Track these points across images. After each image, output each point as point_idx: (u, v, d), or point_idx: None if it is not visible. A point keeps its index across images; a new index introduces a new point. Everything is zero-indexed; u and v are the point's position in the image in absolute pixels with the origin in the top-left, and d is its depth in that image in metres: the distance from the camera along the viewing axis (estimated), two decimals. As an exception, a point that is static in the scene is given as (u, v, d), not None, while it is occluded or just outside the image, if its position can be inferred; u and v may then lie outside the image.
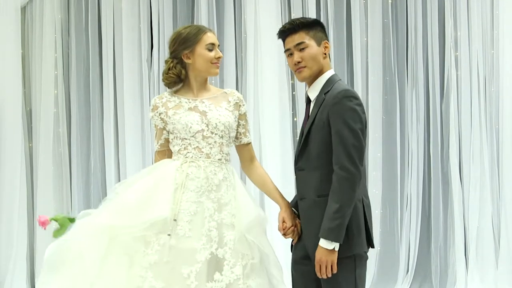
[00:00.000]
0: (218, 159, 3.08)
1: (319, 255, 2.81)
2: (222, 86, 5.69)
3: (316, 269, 2.83)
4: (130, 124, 5.72)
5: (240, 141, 3.22)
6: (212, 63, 3.11)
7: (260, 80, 5.58)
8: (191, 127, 3.05)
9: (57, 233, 3.02)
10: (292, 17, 5.61)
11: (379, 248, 5.58)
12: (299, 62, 2.96)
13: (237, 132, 3.19)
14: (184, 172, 3.00)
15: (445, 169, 5.60)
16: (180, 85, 3.17)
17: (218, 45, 3.17)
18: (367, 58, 5.67)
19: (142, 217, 2.88)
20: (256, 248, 3.00)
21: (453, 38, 5.60)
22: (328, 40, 3.05)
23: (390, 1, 5.70)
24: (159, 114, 3.11)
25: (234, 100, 3.16)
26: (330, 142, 2.83)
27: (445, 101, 5.61)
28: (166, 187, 2.96)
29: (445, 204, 5.59)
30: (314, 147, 2.89)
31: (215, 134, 3.07)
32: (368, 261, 5.75)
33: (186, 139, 3.06)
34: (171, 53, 3.13)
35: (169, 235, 2.87)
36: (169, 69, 3.12)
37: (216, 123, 3.07)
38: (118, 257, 2.83)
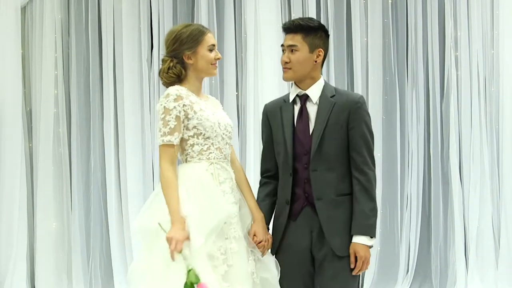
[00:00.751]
0: (228, 160, 3.11)
1: (362, 251, 2.96)
2: (222, 86, 5.69)
3: (357, 265, 2.96)
4: (130, 124, 5.72)
5: None
6: (212, 64, 3.11)
7: (260, 80, 5.58)
8: (220, 126, 3.04)
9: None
10: (293, 17, 5.61)
11: (379, 248, 5.58)
12: (286, 63, 3.04)
13: None
14: (214, 175, 2.99)
15: (445, 169, 5.60)
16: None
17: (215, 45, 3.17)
18: (367, 58, 5.67)
19: (204, 228, 2.85)
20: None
21: (453, 38, 5.60)
22: (324, 49, 3.05)
23: (390, 1, 5.70)
24: (183, 106, 2.95)
25: (220, 104, 3.22)
26: (347, 144, 2.99)
27: (445, 101, 5.61)
28: (212, 192, 2.95)
29: (445, 204, 5.59)
30: (331, 149, 2.98)
31: (226, 135, 3.07)
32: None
33: (210, 138, 3.01)
34: (170, 51, 3.08)
35: (226, 239, 2.92)
36: (169, 68, 3.06)
37: (225, 125, 3.07)
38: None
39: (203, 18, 5.62)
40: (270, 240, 3.10)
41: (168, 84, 3.09)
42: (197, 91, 3.12)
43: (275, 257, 3.11)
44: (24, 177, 5.76)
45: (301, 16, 5.61)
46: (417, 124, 5.62)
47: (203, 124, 2.98)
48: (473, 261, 5.50)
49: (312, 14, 5.60)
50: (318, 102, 3.03)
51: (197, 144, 3.00)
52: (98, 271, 5.75)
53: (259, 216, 3.09)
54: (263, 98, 5.57)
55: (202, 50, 3.07)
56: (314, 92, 3.04)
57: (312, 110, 3.03)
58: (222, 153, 3.05)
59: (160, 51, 5.69)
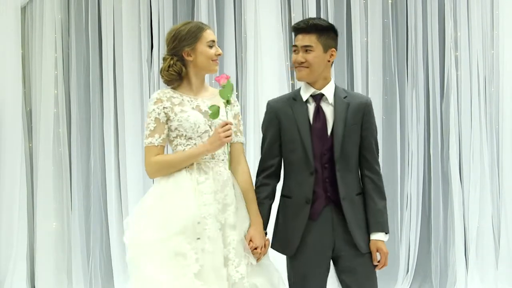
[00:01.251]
0: (222, 160, 3.08)
1: (385, 247, 3.08)
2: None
3: (381, 261, 3.08)
4: (130, 124, 5.72)
5: (231, 140, 3.17)
6: (212, 60, 3.11)
7: (260, 80, 5.58)
8: (199, 127, 3.04)
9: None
10: (292, 17, 5.62)
11: (379, 248, 5.57)
12: (302, 62, 3.05)
13: None
14: (193, 176, 3.01)
15: (445, 169, 5.60)
16: (177, 83, 3.15)
17: (215, 41, 3.16)
18: (367, 58, 5.67)
19: (173, 226, 2.91)
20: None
21: (453, 38, 5.60)
22: (336, 49, 3.10)
23: (390, 1, 5.70)
24: (163, 108, 3.03)
25: (229, 101, 3.13)
26: (359, 145, 3.09)
27: (445, 101, 5.61)
28: (185, 194, 2.98)
29: (445, 204, 5.59)
30: (350, 149, 3.05)
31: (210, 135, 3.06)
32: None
33: (192, 138, 3.04)
34: (170, 49, 3.12)
35: (198, 239, 2.92)
36: (169, 66, 3.09)
37: (218, 124, 3.05)
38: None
39: (203, 18, 5.61)
40: (268, 246, 3.10)
41: (169, 82, 3.12)
42: (197, 89, 3.12)
43: (293, 257, 3.10)
44: (24, 177, 5.76)
45: (301, 16, 5.61)
46: (417, 124, 5.62)
47: (183, 125, 3.02)
48: (473, 261, 5.50)
49: (312, 14, 5.60)
50: (333, 102, 3.06)
51: (180, 144, 3.05)
52: (98, 271, 5.76)
53: (258, 221, 3.08)
54: (263, 98, 5.57)
55: (201, 46, 3.08)
56: (329, 92, 3.08)
57: (328, 110, 3.06)
58: (218, 152, 3.07)
59: (160, 51, 5.68)
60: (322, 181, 3.04)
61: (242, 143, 3.19)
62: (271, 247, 3.17)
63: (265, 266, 3.09)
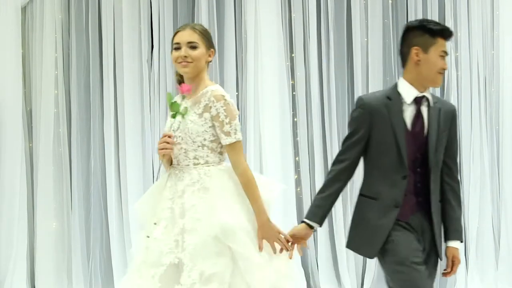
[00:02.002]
0: (186, 165, 3.07)
1: (459, 256, 3.08)
2: (222, 86, 5.65)
3: (453, 270, 3.08)
4: (130, 124, 5.72)
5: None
6: (177, 62, 3.09)
7: (260, 80, 5.58)
8: (166, 131, 3.12)
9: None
10: (293, 17, 5.63)
11: (379, 248, 5.57)
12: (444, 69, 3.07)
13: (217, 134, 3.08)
14: (164, 181, 3.12)
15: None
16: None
17: (193, 43, 3.08)
18: (367, 58, 5.67)
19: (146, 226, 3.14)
20: (229, 257, 2.95)
21: (453, 38, 5.59)
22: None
23: (390, 1, 5.71)
24: None
25: (205, 101, 3.05)
26: (444, 153, 3.03)
27: (445, 101, 5.62)
28: (157, 197, 3.13)
29: (445, 204, 5.59)
30: (440, 156, 3.01)
31: (182, 139, 3.06)
32: (368, 261, 5.79)
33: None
34: None
35: (148, 237, 3.03)
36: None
37: (182, 129, 3.06)
38: None
39: (203, 18, 5.61)
40: (280, 236, 3.06)
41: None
42: (193, 92, 3.11)
43: (379, 259, 3.02)
44: (24, 177, 5.76)
45: (301, 16, 5.64)
46: (417, 124, 5.62)
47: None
48: (473, 261, 5.50)
49: (312, 14, 5.61)
50: (428, 107, 3.00)
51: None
52: (98, 271, 5.75)
53: (261, 220, 3.02)
54: (263, 98, 5.58)
55: (172, 49, 3.13)
56: (429, 95, 3.03)
57: (424, 114, 3.00)
58: (174, 158, 3.10)
59: (160, 52, 5.69)
60: (413, 185, 2.97)
61: (231, 144, 3.06)
62: (347, 246, 3.12)
63: (252, 265, 2.98)
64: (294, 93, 5.70)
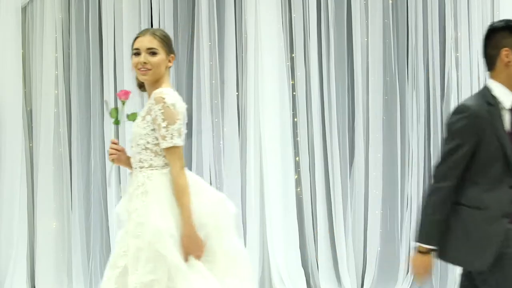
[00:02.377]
0: (135, 168, 3.10)
1: None
2: (222, 87, 5.69)
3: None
4: (130, 124, 5.69)
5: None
6: (137, 68, 3.09)
7: (260, 80, 5.58)
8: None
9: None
10: (293, 17, 5.63)
11: (379, 248, 5.56)
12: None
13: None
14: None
15: (445, 170, 5.59)
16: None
17: (152, 49, 3.08)
18: (367, 58, 5.66)
19: None
20: (163, 261, 2.92)
21: (454, 38, 5.60)
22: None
23: (390, 1, 5.71)
24: None
25: (148, 105, 3.08)
26: None
27: (445, 101, 5.61)
28: None
29: (445, 204, 5.58)
30: None
31: (132, 142, 3.12)
32: (368, 261, 5.77)
33: None
34: None
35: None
36: None
37: (131, 132, 3.11)
38: None
39: (203, 18, 5.62)
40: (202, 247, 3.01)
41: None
42: (148, 96, 3.15)
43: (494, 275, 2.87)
44: (24, 177, 5.76)
45: (301, 16, 5.64)
46: (417, 124, 5.62)
47: None
48: (473, 261, 5.49)
49: (312, 14, 5.61)
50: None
51: None
52: (98, 271, 5.74)
53: (186, 229, 2.96)
54: (263, 98, 5.58)
55: (132, 56, 3.12)
56: None
57: None
58: (134, 161, 3.12)
59: (160, 51, 5.68)
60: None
61: (167, 148, 3.02)
62: (447, 260, 2.99)
63: (177, 273, 2.94)
64: (294, 93, 5.70)
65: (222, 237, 3.07)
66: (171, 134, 3.00)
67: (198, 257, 2.98)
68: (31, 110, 5.89)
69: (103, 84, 5.81)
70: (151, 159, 3.05)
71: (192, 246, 2.97)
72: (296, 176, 5.68)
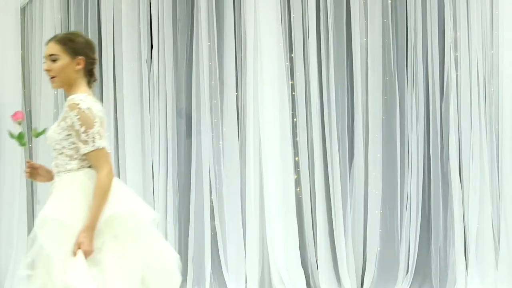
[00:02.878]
0: (54, 173, 3.08)
1: None
2: (222, 87, 5.69)
3: None
4: (130, 124, 5.72)
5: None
6: (48, 75, 3.07)
7: (260, 80, 5.58)
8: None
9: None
10: (292, 17, 5.64)
11: (379, 248, 5.57)
12: None
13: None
14: None
15: (445, 169, 5.60)
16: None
17: (52, 55, 3.01)
18: (366, 58, 5.66)
19: None
20: (39, 247, 2.93)
21: (453, 38, 5.60)
22: None
23: (390, 1, 5.70)
24: None
25: (63, 112, 3.01)
26: None
27: (444, 101, 5.61)
28: None
29: (445, 204, 5.59)
30: None
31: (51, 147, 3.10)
32: (368, 261, 5.78)
33: None
34: None
35: None
36: None
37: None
38: None
39: (202, 18, 5.62)
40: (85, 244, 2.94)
41: None
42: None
43: None
44: (24, 177, 5.76)
45: (301, 16, 5.64)
46: (417, 124, 5.62)
47: None
48: (473, 261, 5.50)
49: (312, 14, 5.61)
50: None
51: None
52: (97, 271, 5.75)
53: (85, 224, 2.92)
54: (262, 98, 5.58)
55: None
56: None
57: None
58: (52, 166, 3.09)
59: (159, 52, 5.69)
60: None
61: (89, 152, 2.97)
62: None
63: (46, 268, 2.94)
64: (293, 93, 5.70)
65: (119, 248, 2.98)
66: (92, 137, 2.95)
67: (86, 253, 2.90)
68: (30, 111, 5.89)
69: (102, 84, 5.80)
70: (66, 163, 3.01)
71: (84, 243, 2.88)
72: (295, 176, 5.68)
